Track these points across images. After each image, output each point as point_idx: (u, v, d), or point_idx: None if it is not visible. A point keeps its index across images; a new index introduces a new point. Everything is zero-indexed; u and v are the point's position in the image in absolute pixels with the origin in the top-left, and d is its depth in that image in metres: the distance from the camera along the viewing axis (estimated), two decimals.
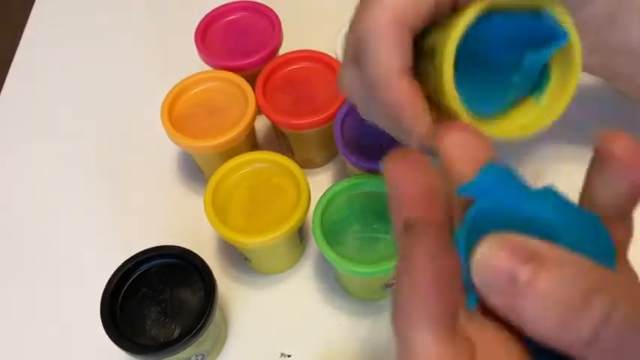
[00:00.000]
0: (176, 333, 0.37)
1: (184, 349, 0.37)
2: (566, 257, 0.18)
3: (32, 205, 0.51)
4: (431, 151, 0.22)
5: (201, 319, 0.37)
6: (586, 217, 0.20)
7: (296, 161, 0.43)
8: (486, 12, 0.27)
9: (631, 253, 0.22)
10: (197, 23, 0.51)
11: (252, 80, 0.47)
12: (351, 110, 0.45)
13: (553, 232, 0.20)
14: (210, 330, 0.38)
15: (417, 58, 0.30)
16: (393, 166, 0.20)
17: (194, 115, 0.47)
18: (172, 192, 0.51)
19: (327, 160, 0.51)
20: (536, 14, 0.28)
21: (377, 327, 0.43)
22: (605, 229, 0.20)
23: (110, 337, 0.37)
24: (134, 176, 0.52)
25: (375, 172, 0.42)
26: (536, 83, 0.29)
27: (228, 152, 0.45)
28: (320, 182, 0.49)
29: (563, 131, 0.26)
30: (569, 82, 0.28)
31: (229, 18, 0.52)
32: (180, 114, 0.47)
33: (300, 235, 0.44)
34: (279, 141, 0.51)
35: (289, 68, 0.49)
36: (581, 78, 0.28)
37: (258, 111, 0.47)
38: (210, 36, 0.51)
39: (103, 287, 0.38)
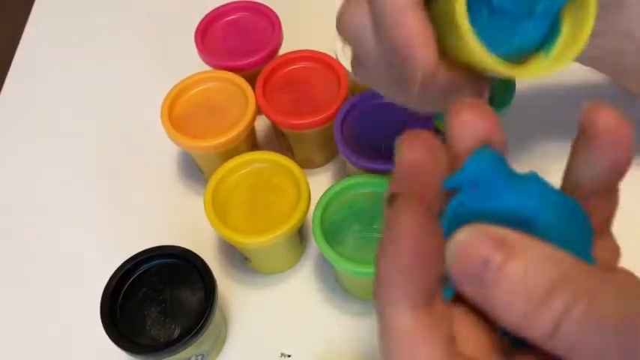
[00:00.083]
0: (176, 333, 0.37)
1: (184, 349, 0.37)
2: (537, 247, 0.19)
3: (32, 205, 0.51)
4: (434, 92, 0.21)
5: (201, 319, 0.37)
6: (568, 204, 0.21)
7: (296, 161, 0.43)
8: None
9: (627, 251, 0.22)
10: (197, 23, 0.51)
11: (252, 80, 0.47)
12: (351, 110, 0.45)
13: (534, 223, 0.20)
14: (210, 330, 0.38)
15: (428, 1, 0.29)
16: (401, 144, 0.21)
17: (194, 115, 0.47)
18: (172, 192, 0.50)
19: (327, 160, 0.51)
20: None
21: (377, 327, 0.43)
22: (586, 216, 0.21)
23: (110, 337, 0.37)
24: (134, 176, 0.52)
25: (375, 172, 0.42)
26: (546, 38, 0.29)
27: (228, 152, 0.45)
28: (320, 182, 0.49)
29: (567, 130, 0.26)
30: (580, 34, 0.27)
31: (229, 18, 0.52)
32: (180, 114, 0.47)
33: (300, 235, 0.44)
34: (279, 141, 0.50)
35: (289, 68, 0.49)
36: (587, 76, 0.27)
37: (258, 111, 0.47)
38: (210, 36, 0.51)
39: (103, 287, 0.38)
